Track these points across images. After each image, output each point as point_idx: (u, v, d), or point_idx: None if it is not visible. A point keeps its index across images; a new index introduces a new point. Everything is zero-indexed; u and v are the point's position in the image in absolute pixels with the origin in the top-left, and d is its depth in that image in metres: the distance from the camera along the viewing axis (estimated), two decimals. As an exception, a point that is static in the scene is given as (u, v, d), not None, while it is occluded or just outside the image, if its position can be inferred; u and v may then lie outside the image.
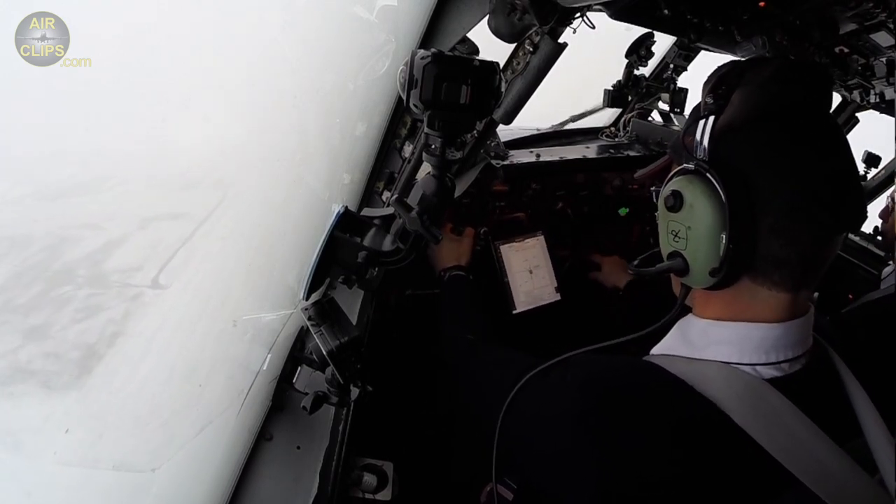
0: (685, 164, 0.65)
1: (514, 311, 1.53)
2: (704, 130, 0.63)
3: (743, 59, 1.05)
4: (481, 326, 1.11)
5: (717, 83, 0.65)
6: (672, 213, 0.66)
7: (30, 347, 0.73)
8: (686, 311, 0.73)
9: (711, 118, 0.63)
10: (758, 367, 0.65)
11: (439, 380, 1.40)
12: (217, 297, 0.85)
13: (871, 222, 1.89)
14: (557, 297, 1.59)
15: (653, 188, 0.73)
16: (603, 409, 0.64)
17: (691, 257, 0.65)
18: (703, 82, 0.69)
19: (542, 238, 1.60)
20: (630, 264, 0.74)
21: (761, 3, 0.81)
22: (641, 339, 0.72)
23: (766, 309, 0.65)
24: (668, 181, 0.68)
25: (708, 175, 0.62)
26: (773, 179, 0.61)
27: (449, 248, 1.35)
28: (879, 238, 1.87)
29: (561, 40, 0.85)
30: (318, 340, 0.82)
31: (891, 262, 1.74)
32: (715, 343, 0.67)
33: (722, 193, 0.60)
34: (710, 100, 0.64)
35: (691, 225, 0.64)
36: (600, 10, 0.78)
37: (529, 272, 1.58)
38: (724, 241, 0.61)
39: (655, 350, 0.74)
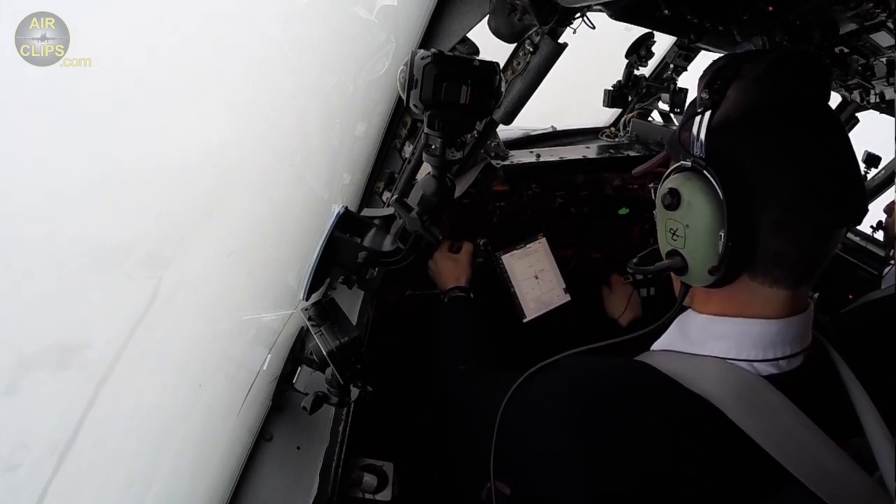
0: (682, 162, 0.65)
1: (525, 320, 1.52)
2: (700, 126, 0.63)
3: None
4: (475, 350, 1.10)
5: (713, 77, 0.64)
6: (670, 212, 0.65)
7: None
8: (685, 308, 0.73)
9: (707, 113, 0.62)
10: (755, 364, 0.64)
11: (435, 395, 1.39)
12: (217, 297, 0.85)
13: (875, 217, 1.88)
14: (567, 298, 1.58)
15: (651, 185, 0.73)
16: (593, 413, 0.64)
17: (690, 256, 0.65)
18: (699, 77, 0.68)
19: (544, 241, 1.59)
20: (630, 263, 0.74)
21: (770, 7, 0.80)
22: (640, 338, 0.72)
23: (765, 305, 0.65)
24: (664, 179, 0.67)
25: (705, 172, 0.61)
26: (771, 174, 0.60)
27: (447, 268, 1.33)
28: (881, 231, 1.86)
29: (561, 40, 0.85)
30: (318, 341, 0.82)
31: (892, 262, 1.74)
32: (713, 338, 0.67)
33: (720, 191, 0.59)
34: (705, 95, 0.63)
35: (689, 223, 0.63)
36: (600, 11, 0.78)
37: (535, 278, 1.56)
38: (722, 240, 0.60)
39: (655, 346, 0.74)
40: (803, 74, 0.64)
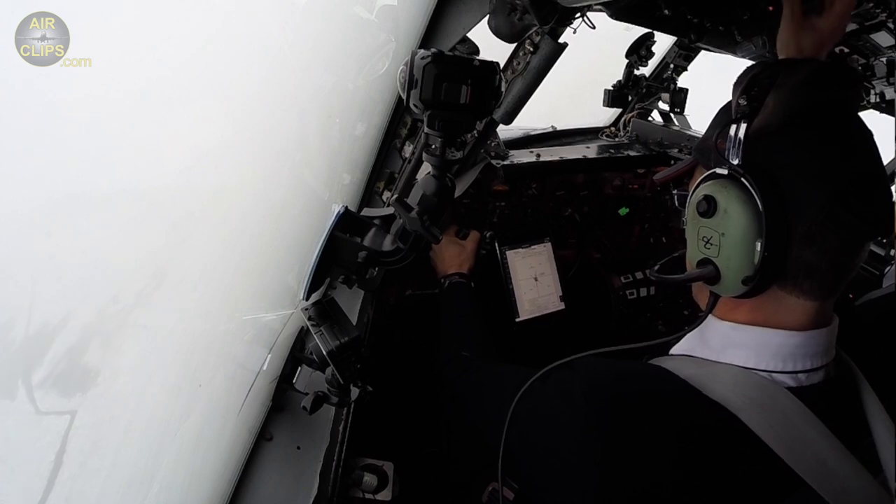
0: (717, 169, 0.64)
1: (518, 319, 1.52)
2: (738, 134, 0.62)
3: (743, 58, 1.05)
4: (479, 339, 1.09)
5: (749, 85, 0.63)
6: (704, 219, 0.64)
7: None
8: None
9: (745, 121, 0.62)
10: (773, 374, 0.64)
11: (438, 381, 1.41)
12: (217, 297, 0.85)
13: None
14: (562, 306, 1.58)
15: (675, 192, 0.71)
16: (607, 415, 0.64)
17: (723, 265, 0.63)
18: (733, 83, 0.67)
19: (549, 245, 1.59)
20: (651, 271, 0.73)
21: (770, 7, 0.80)
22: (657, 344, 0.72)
23: (790, 316, 0.64)
24: (698, 185, 0.66)
25: (743, 180, 0.60)
26: (807, 185, 0.60)
27: (451, 253, 1.32)
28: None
29: (561, 40, 0.85)
30: (318, 340, 0.82)
31: (893, 262, 1.74)
32: (732, 346, 0.66)
33: (759, 200, 0.59)
34: (742, 101, 0.63)
35: (725, 231, 0.62)
36: (600, 10, 0.78)
37: (535, 279, 1.56)
38: (758, 249, 0.59)
39: (674, 350, 0.74)
40: (840, 85, 0.64)
